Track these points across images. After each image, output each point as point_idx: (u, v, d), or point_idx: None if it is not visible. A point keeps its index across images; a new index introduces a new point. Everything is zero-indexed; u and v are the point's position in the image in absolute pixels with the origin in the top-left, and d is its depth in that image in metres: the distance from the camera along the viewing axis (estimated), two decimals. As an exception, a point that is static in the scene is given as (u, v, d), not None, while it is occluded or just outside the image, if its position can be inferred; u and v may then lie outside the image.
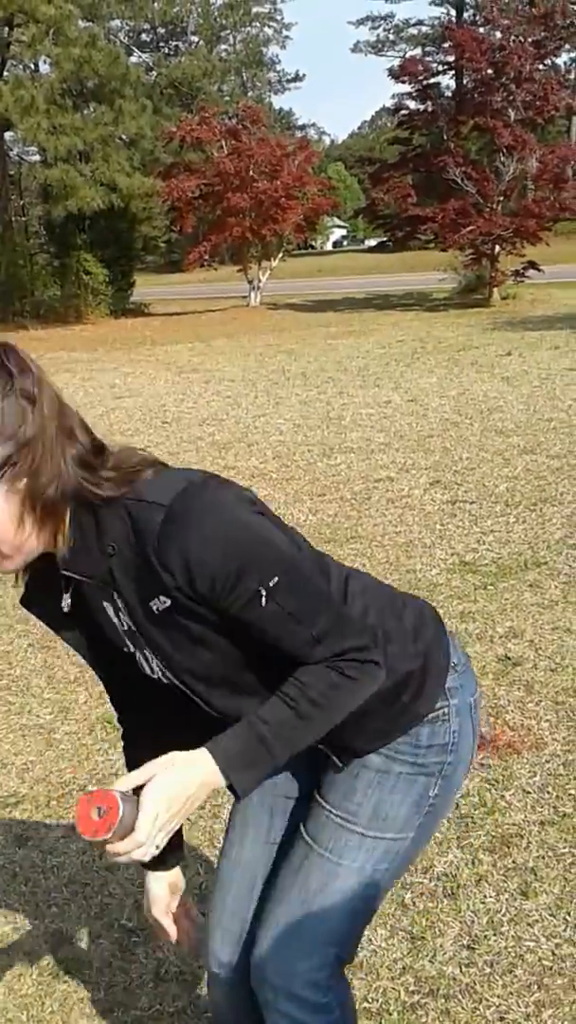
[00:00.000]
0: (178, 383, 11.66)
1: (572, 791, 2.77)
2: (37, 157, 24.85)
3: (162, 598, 1.22)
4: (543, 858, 2.50)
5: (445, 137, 22.68)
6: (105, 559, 1.23)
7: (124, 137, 23.55)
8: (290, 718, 1.25)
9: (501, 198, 19.37)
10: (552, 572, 4.45)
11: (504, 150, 19.08)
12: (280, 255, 25.16)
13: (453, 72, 28.93)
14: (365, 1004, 2.05)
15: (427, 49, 36.78)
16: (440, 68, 28.78)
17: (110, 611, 1.33)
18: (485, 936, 2.25)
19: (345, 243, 68.16)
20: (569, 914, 2.28)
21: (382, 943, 2.23)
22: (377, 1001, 2.07)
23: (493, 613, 4.06)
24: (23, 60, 23.93)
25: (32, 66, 24.71)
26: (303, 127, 67.77)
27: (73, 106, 22.31)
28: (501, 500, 5.63)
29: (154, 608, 1.23)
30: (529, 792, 2.78)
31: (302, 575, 1.28)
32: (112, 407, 9.93)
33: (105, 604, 1.32)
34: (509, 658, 3.64)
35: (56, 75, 21.45)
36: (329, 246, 66.22)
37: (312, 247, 57.72)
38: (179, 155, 25.65)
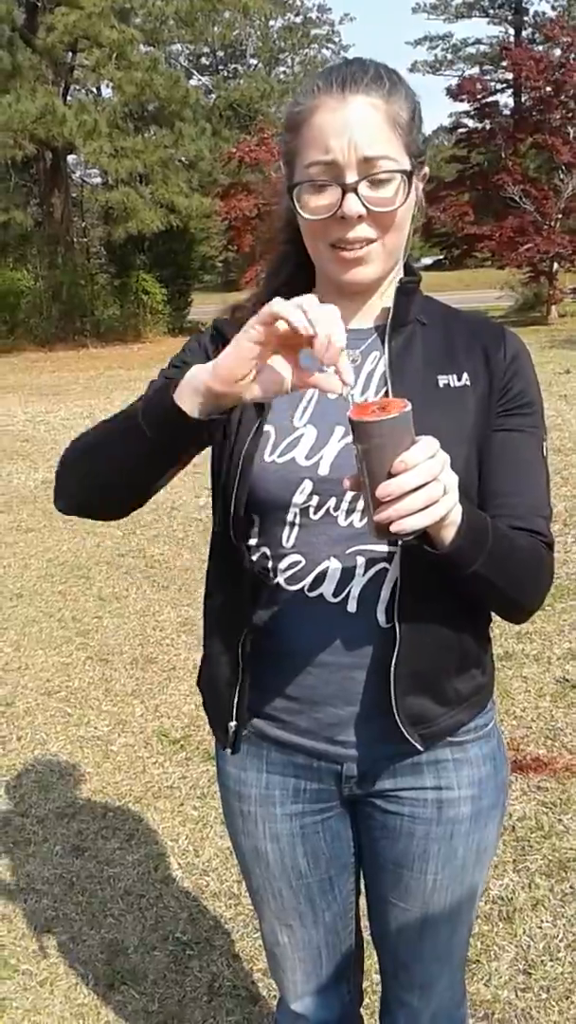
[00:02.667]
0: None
1: (632, 816, 2.73)
2: (98, 180, 25.30)
3: (462, 376, 1.22)
4: (602, 884, 2.46)
5: (503, 155, 22.65)
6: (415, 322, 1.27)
7: (183, 159, 23.82)
8: (506, 538, 1.20)
9: (560, 216, 19.17)
10: (611, 593, 4.40)
11: (563, 167, 18.92)
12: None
13: (511, 91, 28.92)
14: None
15: (485, 68, 36.60)
16: (498, 87, 28.80)
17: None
18: (541, 961, 2.22)
19: (401, 261, 68.21)
20: (628, 942, 2.25)
21: (437, 965, 2.21)
22: None
23: (551, 634, 4.01)
24: (86, 84, 24.43)
25: (95, 90, 25.21)
26: (360, 147, 67.92)
27: (134, 129, 22.66)
28: (559, 520, 5.57)
29: (441, 383, 1.22)
30: (587, 816, 2.74)
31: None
32: (169, 424, 10.02)
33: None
34: (567, 680, 3.59)
35: (118, 99, 21.80)
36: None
37: (368, 265, 57.83)
38: (237, 176, 25.96)
